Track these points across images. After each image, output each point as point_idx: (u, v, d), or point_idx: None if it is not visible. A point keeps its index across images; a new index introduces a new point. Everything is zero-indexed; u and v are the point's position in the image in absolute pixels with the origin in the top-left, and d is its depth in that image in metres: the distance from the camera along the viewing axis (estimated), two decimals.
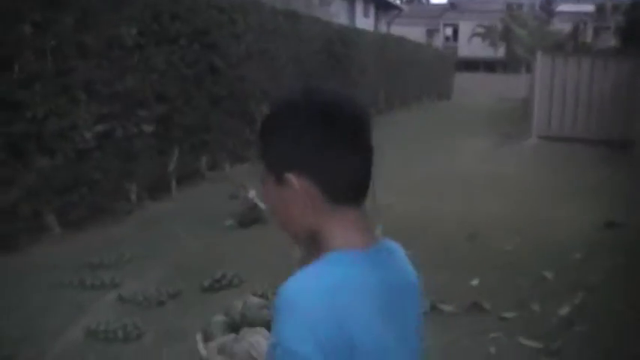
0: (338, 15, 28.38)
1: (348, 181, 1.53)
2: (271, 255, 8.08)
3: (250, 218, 9.55)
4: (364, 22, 34.54)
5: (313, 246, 1.58)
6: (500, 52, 55.62)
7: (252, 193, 9.77)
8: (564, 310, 6.55)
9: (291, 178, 1.51)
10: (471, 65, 57.08)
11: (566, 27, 47.95)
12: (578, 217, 10.32)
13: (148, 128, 10.75)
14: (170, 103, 11.30)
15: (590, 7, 52.30)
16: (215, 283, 7.17)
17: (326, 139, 1.49)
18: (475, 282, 7.24)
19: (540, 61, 20.54)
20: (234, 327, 3.90)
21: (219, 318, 4.24)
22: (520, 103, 27.48)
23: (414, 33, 48.13)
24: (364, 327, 1.44)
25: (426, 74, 36.12)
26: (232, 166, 13.70)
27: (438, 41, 64.70)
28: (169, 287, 6.91)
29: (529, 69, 29.08)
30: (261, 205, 9.64)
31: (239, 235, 9.16)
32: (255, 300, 3.78)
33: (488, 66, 60.35)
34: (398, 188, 11.46)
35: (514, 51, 51.11)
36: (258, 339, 1.89)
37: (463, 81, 47.49)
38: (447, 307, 6.58)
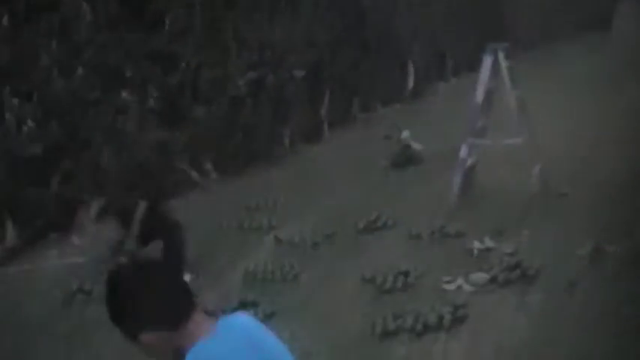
0: None
1: (177, 313, 2.01)
2: (426, 195, 7.98)
3: (404, 159, 9.43)
4: None
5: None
6: None
7: (405, 134, 9.64)
8: None
9: (144, 337, 1.97)
10: None
11: None
12: None
13: (298, 74, 10.80)
14: (318, 48, 11.28)
15: None
16: (370, 224, 7.15)
17: (144, 301, 1.99)
18: None
19: None
20: None
21: None
22: None
23: None
24: None
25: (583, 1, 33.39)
26: (384, 107, 13.58)
27: None
28: (324, 229, 6.96)
29: None
30: (415, 146, 9.52)
31: (393, 175, 9.08)
32: None
33: None
34: (558, 121, 11.00)
35: None
36: None
37: (627, 10, 44.42)
38: (608, 247, 6.22)
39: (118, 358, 4.84)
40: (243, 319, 2.21)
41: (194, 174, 8.76)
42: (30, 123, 7.48)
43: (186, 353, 1.98)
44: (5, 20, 7.35)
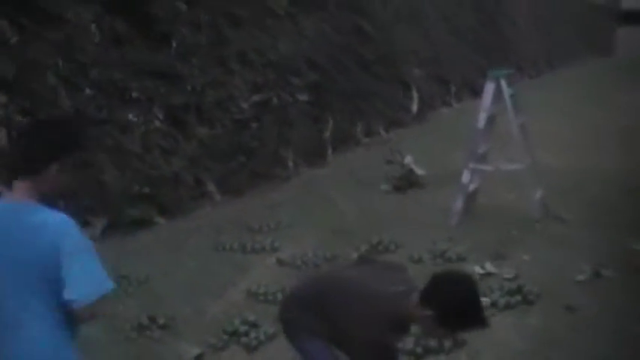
0: None
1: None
2: (428, 220, 8.02)
3: (406, 183, 9.49)
4: None
5: None
6: None
7: (407, 158, 9.70)
8: None
9: None
10: (636, 18, 53.89)
11: None
12: None
13: (302, 96, 10.88)
14: (322, 71, 11.37)
15: None
16: (372, 248, 7.17)
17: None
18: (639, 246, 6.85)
19: None
20: None
21: None
22: None
23: None
24: None
25: (584, 28, 34.35)
26: (387, 131, 13.65)
27: None
28: (326, 251, 6.99)
29: None
30: (418, 170, 9.57)
31: (395, 199, 9.13)
32: None
33: None
34: (557, 146, 11.10)
35: None
36: None
37: (627, 36, 44.77)
38: (607, 272, 6.25)
39: None
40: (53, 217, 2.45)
41: (197, 194, 8.82)
42: None
43: None
44: (13, 38, 7.42)
